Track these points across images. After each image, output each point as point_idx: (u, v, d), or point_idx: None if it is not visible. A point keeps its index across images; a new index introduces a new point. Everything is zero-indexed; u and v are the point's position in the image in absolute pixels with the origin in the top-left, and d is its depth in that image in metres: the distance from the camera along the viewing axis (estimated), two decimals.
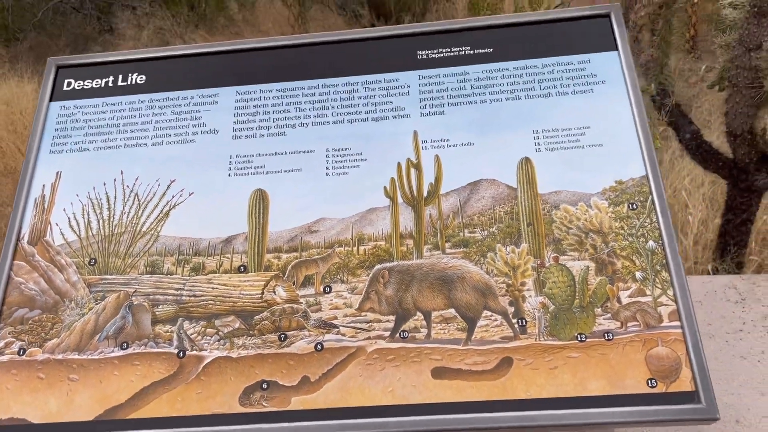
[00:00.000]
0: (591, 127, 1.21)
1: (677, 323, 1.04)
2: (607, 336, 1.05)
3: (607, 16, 1.31)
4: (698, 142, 2.14)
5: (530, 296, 1.09)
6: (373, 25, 6.91)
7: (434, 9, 7.45)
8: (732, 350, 1.65)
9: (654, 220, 1.12)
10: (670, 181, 3.47)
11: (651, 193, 1.14)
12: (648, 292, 1.07)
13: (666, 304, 1.06)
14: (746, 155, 2.09)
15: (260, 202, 1.21)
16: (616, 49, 1.28)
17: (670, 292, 1.07)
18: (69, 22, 8.90)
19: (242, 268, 1.17)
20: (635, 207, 1.14)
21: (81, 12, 9.00)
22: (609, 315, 1.06)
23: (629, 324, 1.05)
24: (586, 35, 1.30)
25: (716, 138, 2.13)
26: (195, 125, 1.30)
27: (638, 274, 1.09)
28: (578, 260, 1.11)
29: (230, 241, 1.19)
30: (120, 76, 1.36)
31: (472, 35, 1.34)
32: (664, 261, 1.09)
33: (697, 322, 1.70)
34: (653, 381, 1.01)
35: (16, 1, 8.68)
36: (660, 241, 1.10)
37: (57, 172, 1.29)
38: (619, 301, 1.07)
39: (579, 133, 1.21)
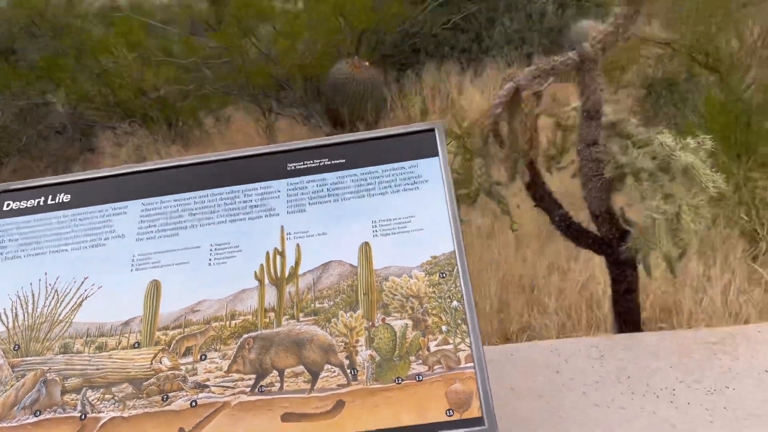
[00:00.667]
0: (415, 216, 1.55)
1: (471, 364, 1.33)
2: (418, 377, 1.33)
3: (432, 130, 1.68)
4: (568, 222, 2.48)
5: (362, 350, 1.38)
6: (331, 133, 7.47)
7: (391, 116, 8.07)
8: (588, 400, 1.90)
9: (458, 285, 1.43)
10: (587, 262, 3.80)
11: (456, 264, 1.45)
12: (450, 341, 1.36)
13: (463, 350, 1.35)
14: (609, 232, 2.43)
15: (154, 290, 1.51)
16: (438, 155, 1.64)
17: (467, 341, 1.36)
18: (51, 145, 9.39)
19: (137, 344, 1.45)
20: (444, 275, 1.45)
21: (63, 135, 9.54)
22: (420, 361, 1.34)
23: (435, 367, 1.33)
24: (416, 146, 1.67)
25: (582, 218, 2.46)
26: (107, 232, 1.62)
27: (444, 328, 1.38)
28: (400, 319, 1.40)
29: (128, 323, 1.48)
30: (50, 197, 1.70)
31: (330, 149, 1.70)
32: (464, 316, 1.39)
33: (559, 376, 1.96)
34: (450, 411, 1.27)
35: (3, 128, 9.21)
36: (461, 301, 1.40)
37: None
38: (428, 349, 1.36)
39: (406, 221, 1.54)
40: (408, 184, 1.61)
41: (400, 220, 1.55)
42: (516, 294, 3.71)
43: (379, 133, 1.70)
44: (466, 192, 2.21)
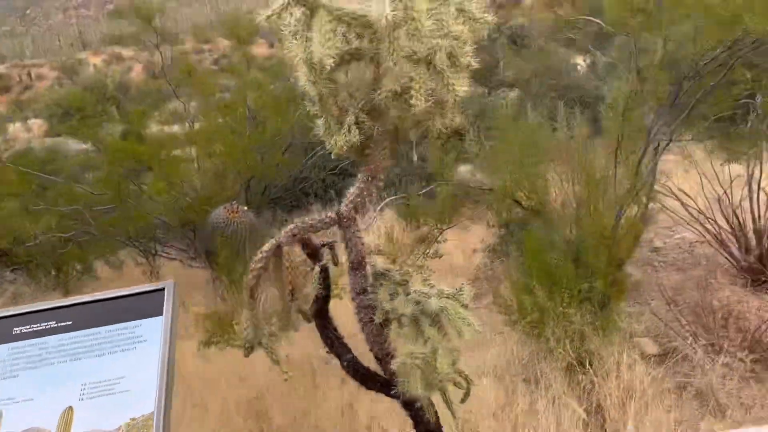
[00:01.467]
0: (126, 377, 1.58)
1: None
2: None
3: (163, 289, 1.76)
4: (356, 367, 2.55)
5: None
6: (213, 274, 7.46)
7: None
8: None
9: None
10: None
11: (153, 425, 1.48)
12: None
13: None
14: (393, 375, 2.51)
15: None
16: (162, 314, 1.71)
17: None
18: None
19: None
20: None
21: None
22: None
23: None
24: (144, 305, 1.74)
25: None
26: None
27: None
28: None
29: None
30: None
31: (58, 312, 1.73)
32: None
33: None
34: None
35: None
36: None
37: None
38: None
39: (115, 382, 1.57)
40: (128, 344, 1.65)
41: (109, 381, 1.57)
42: None
43: (109, 295, 1.76)
44: (240, 344, 2.27)
